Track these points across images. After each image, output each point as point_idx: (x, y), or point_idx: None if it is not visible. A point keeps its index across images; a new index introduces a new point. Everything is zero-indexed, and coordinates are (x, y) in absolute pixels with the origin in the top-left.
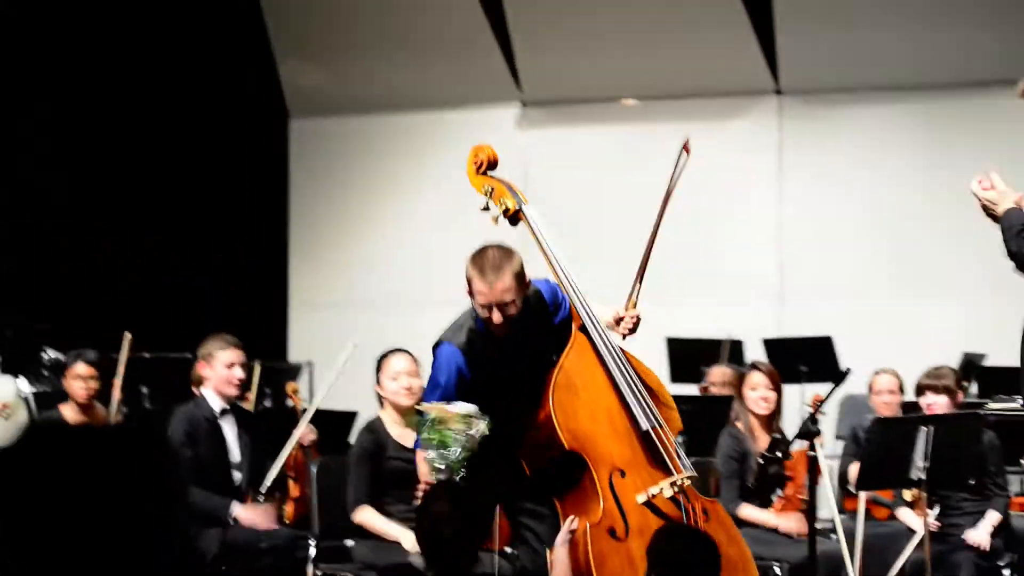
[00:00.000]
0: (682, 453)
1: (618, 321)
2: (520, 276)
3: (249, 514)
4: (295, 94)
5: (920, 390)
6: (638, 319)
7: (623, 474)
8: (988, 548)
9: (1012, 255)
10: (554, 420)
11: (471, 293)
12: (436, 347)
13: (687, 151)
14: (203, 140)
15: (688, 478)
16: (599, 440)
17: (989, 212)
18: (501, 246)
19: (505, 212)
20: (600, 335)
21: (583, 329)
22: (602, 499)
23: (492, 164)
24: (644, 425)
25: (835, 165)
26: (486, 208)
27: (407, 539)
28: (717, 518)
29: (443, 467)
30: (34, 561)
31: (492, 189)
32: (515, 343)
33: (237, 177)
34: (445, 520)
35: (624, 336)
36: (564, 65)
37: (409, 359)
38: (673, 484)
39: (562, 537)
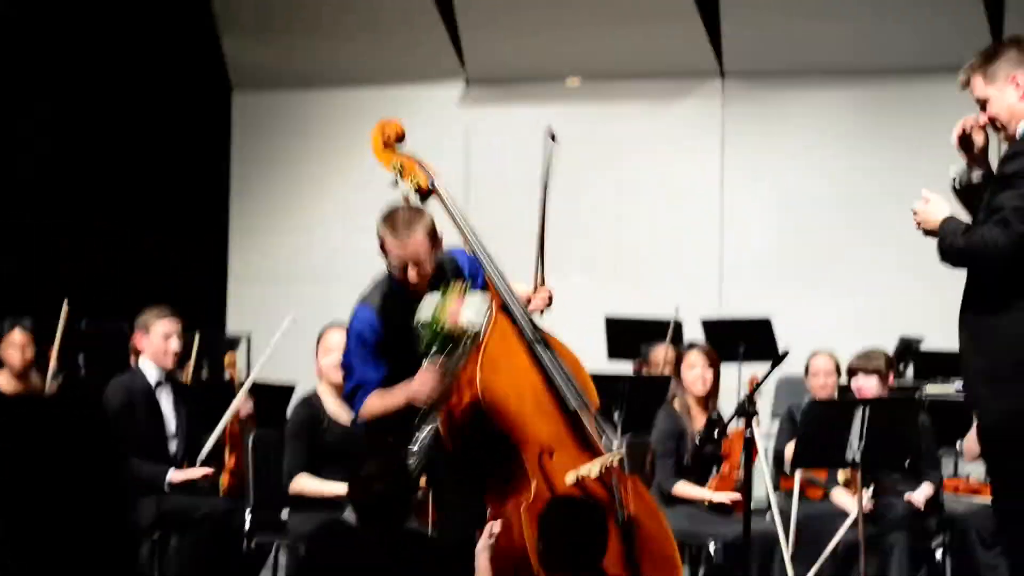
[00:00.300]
0: (609, 431)
1: (529, 300)
2: (432, 234)
3: (183, 475)
4: (238, 68)
5: (851, 372)
6: (550, 296)
7: (551, 455)
8: (922, 507)
9: (956, 252)
10: (481, 401)
11: (384, 252)
12: (355, 307)
13: (552, 138)
14: (145, 112)
15: (617, 458)
16: (526, 421)
17: (925, 228)
18: (412, 206)
19: (417, 189)
20: (520, 313)
21: (503, 308)
22: (533, 480)
23: (399, 138)
24: (571, 405)
25: (777, 148)
26: (396, 184)
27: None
28: (641, 496)
29: (450, 373)
30: None
31: (401, 165)
32: None
33: (179, 149)
34: (376, 478)
35: (541, 313)
36: (508, 43)
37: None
38: (602, 464)
39: (482, 544)
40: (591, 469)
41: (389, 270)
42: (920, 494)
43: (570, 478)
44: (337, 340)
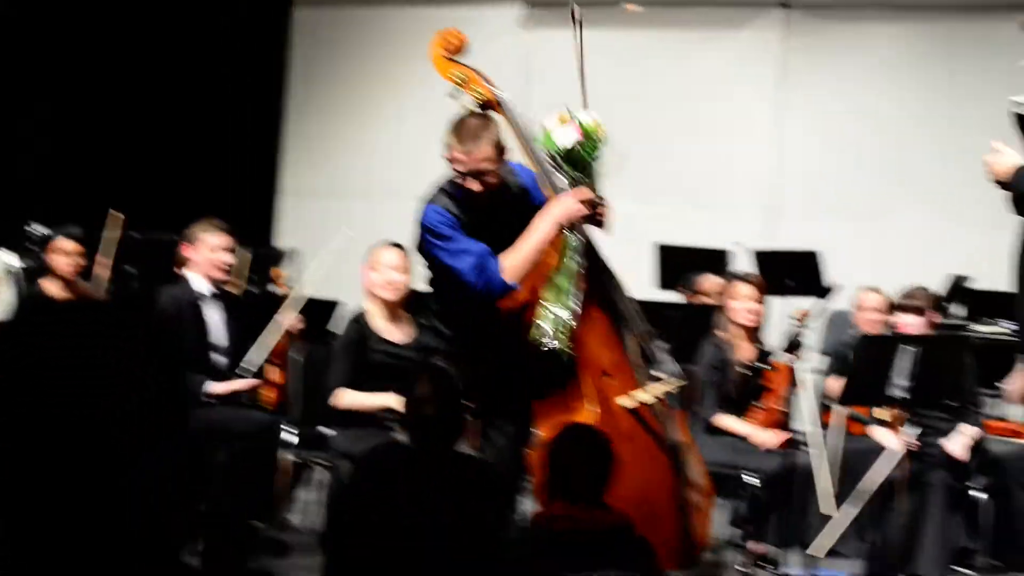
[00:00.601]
0: (666, 359)
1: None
2: (499, 146)
3: (223, 385)
4: None
5: (894, 310)
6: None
7: (608, 378)
8: (963, 458)
9: None
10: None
11: (450, 160)
12: (422, 212)
13: (573, 16)
14: (203, 22)
15: (675, 385)
16: (585, 342)
17: (996, 179)
18: (481, 115)
19: (479, 101)
20: (582, 234)
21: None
22: (588, 402)
23: (460, 49)
24: (632, 330)
25: (837, 81)
26: (455, 95)
27: (394, 399)
28: (682, 427)
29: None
30: (28, 436)
31: (463, 76)
32: (492, 219)
33: (236, 62)
34: (427, 400)
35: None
36: None
37: (400, 254)
38: (660, 390)
39: None
40: (647, 395)
41: (453, 178)
42: (957, 444)
43: (626, 402)
44: (390, 259)
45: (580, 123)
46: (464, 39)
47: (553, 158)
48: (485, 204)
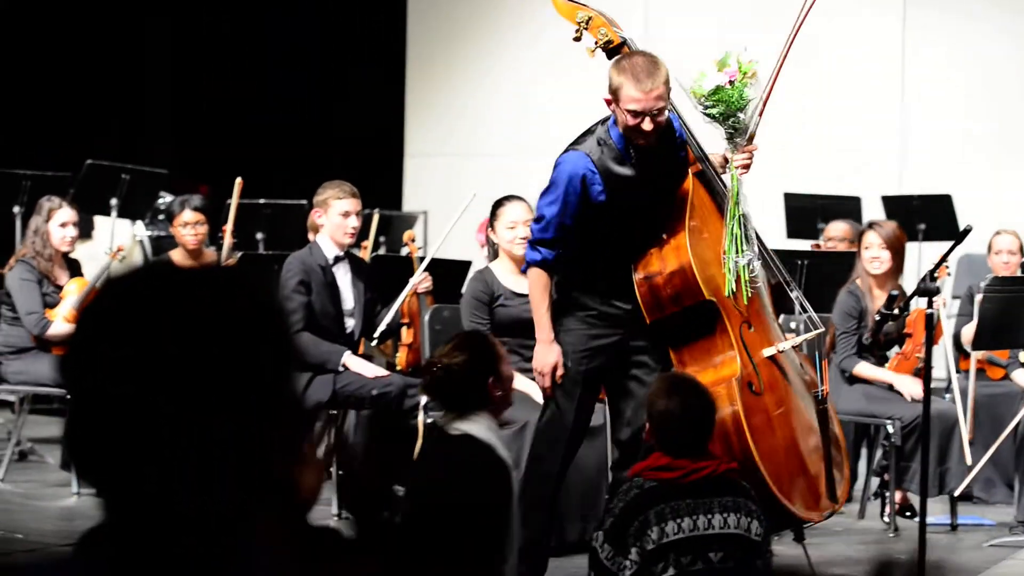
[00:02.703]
0: (807, 305)
1: (723, 164)
2: (669, 81)
3: (359, 363)
4: None
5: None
6: (752, 155)
7: (750, 327)
8: None
9: None
10: (693, 268)
11: (616, 100)
12: (561, 155)
13: None
14: None
15: (817, 334)
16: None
17: None
18: (646, 52)
19: (606, 44)
20: (717, 179)
21: (700, 174)
22: (735, 352)
23: None
24: (773, 278)
25: (962, 21)
26: (578, 38)
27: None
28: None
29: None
30: (139, 397)
31: (588, 18)
32: (645, 165)
33: (354, 24)
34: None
35: (743, 172)
36: None
37: (526, 207)
38: (796, 340)
39: None
40: (787, 344)
41: (617, 122)
42: None
43: (769, 351)
44: (518, 214)
45: (739, 63)
46: None
47: (701, 102)
48: (643, 149)
